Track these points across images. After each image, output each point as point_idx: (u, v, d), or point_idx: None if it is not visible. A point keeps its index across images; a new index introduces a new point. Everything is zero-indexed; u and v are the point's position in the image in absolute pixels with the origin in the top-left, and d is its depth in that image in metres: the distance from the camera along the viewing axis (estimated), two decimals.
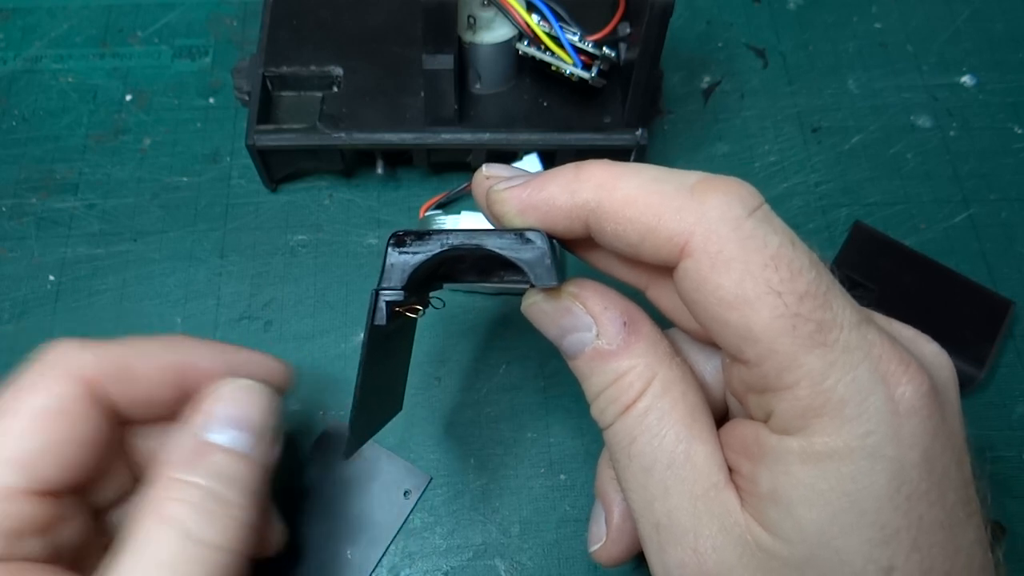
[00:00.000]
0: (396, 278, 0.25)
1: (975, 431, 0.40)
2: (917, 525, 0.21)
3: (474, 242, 0.25)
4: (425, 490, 0.38)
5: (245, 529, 0.27)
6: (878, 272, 0.42)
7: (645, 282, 0.27)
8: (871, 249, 0.43)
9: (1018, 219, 0.46)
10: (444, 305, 0.29)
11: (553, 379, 0.41)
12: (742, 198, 0.23)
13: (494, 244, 0.25)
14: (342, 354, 0.41)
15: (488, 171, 0.28)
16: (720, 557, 0.22)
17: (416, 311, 0.27)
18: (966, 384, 0.40)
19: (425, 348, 0.41)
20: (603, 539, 0.30)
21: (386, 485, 0.38)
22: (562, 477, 0.39)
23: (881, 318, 0.24)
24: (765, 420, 0.23)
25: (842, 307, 0.22)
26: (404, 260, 0.25)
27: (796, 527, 0.21)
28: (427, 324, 0.42)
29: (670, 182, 0.23)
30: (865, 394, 0.21)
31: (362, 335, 0.42)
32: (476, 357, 0.41)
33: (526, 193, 0.26)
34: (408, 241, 0.25)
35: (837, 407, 0.21)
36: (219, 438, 0.27)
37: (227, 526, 0.26)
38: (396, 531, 0.37)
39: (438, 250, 0.25)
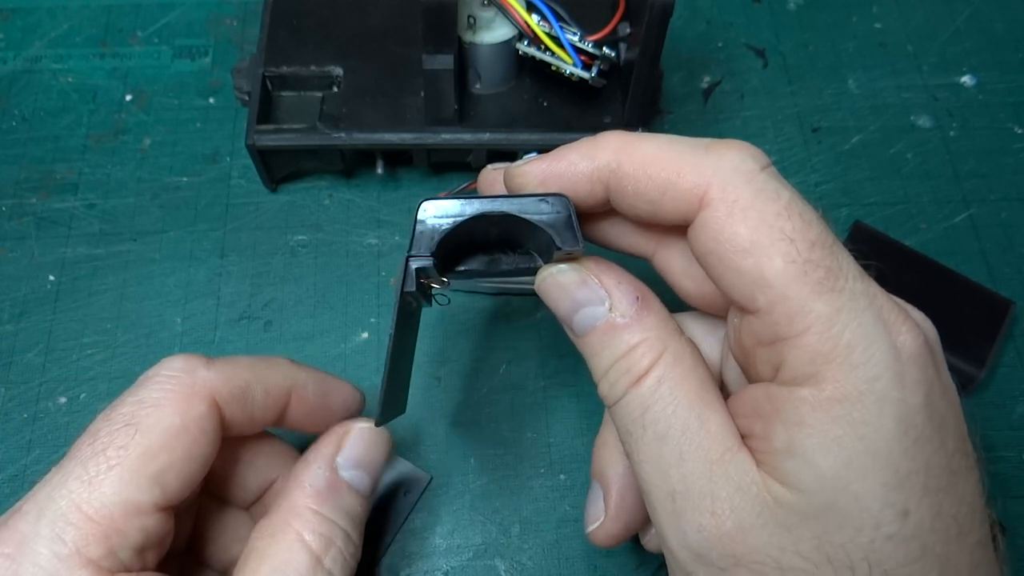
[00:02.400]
0: (425, 245, 0.26)
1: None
2: (925, 470, 0.21)
3: (501, 208, 0.26)
4: (425, 490, 0.38)
5: (356, 567, 0.29)
6: (878, 272, 0.42)
7: (653, 248, 0.28)
8: (871, 249, 0.43)
9: (1018, 219, 0.46)
10: (449, 302, 0.30)
11: (553, 379, 0.41)
12: (753, 155, 0.24)
13: (520, 208, 0.26)
14: (342, 354, 0.41)
15: (495, 166, 0.30)
16: (739, 517, 0.23)
17: (442, 283, 0.28)
18: (966, 384, 0.40)
19: (425, 348, 0.41)
20: (601, 518, 0.30)
21: (386, 485, 0.38)
22: (562, 477, 0.39)
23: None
24: (773, 378, 0.24)
25: (846, 259, 0.23)
26: (433, 227, 0.26)
27: (814, 476, 0.22)
28: (427, 324, 0.42)
29: (685, 143, 0.25)
30: (870, 340, 0.22)
31: (362, 335, 0.42)
32: (476, 357, 0.42)
33: (546, 164, 0.27)
34: (437, 209, 0.26)
35: (845, 352, 0.22)
36: (348, 475, 0.30)
37: (348, 564, 0.29)
38: (396, 531, 0.37)
39: (466, 215, 0.26)
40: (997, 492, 0.38)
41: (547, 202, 0.26)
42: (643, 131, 0.42)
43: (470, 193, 0.29)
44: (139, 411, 0.26)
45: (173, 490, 0.26)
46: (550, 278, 0.27)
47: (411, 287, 0.26)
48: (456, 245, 0.28)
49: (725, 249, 0.23)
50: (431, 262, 0.26)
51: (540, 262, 0.28)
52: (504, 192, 0.28)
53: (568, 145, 0.27)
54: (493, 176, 0.29)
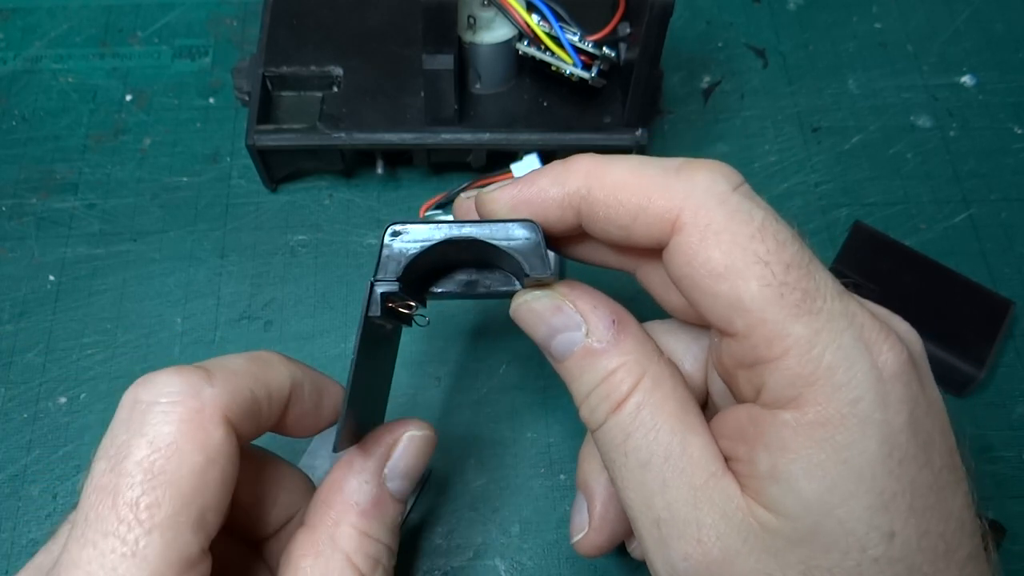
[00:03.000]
0: (391, 269, 0.26)
1: (975, 431, 0.40)
2: (910, 490, 0.21)
3: (469, 234, 0.25)
4: (424, 484, 0.38)
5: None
6: (878, 272, 0.42)
7: (635, 264, 0.28)
8: (871, 249, 0.43)
9: (1018, 219, 0.46)
10: (428, 323, 0.30)
11: (553, 379, 0.41)
12: (726, 175, 0.24)
13: (489, 234, 0.25)
14: (342, 354, 0.41)
15: (467, 194, 0.29)
16: (725, 544, 0.22)
17: (409, 307, 0.27)
18: (966, 384, 0.40)
19: (425, 348, 0.41)
20: (585, 528, 0.30)
21: None
22: (562, 477, 0.39)
23: (857, 298, 0.25)
24: (756, 399, 0.23)
25: (824, 279, 0.23)
26: (400, 251, 0.26)
27: (798, 501, 0.22)
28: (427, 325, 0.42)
29: (656, 165, 0.24)
30: (851, 361, 0.22)
31: None
32: (476, 357, 0.42)
33: (517, 189, 0.26)
34: (404, 233, 0.26)
35: (826, 375, 0.21)
36: (392, 486, 0.29)
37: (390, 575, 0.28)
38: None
39: (434, 240, 0.26)
40: (994, 493, 0.38)
41: (516, 228, 0.25)
42: (643, 131, 0.42)
43: (438, 208, 0.28)
44: (156, 457, 0.23)
45: (214, 526, 0.25)
46: (524, 305, 0.27)
47: (375, 312, 0.26)
48: (431, 267, 0.27)
49: (700, 274, 0.23)
50: (397, 287, 0.26)
51: (518, 285, 0.27)
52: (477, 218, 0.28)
53: (539, 170, 0.27)
54: (468, 205, 0.29)
